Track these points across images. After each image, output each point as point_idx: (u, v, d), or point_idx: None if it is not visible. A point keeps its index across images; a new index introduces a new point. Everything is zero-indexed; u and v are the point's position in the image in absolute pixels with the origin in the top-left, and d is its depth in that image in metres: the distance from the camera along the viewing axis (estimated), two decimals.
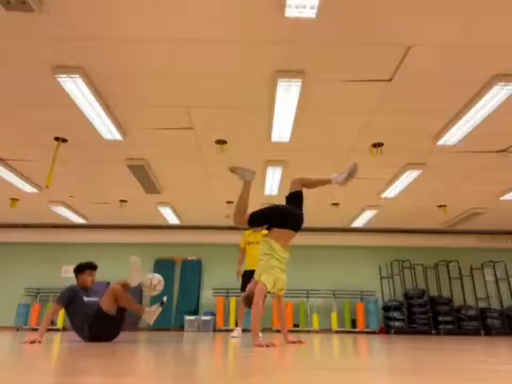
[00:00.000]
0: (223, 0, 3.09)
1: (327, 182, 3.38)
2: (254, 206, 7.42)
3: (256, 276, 3.08)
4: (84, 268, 3.84)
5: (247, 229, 5.21)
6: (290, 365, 1.69)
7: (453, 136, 4.99)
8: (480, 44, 3.51)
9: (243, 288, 5.06)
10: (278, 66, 3.85)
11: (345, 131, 5.07)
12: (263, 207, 3.33)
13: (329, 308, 9.51)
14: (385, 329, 9.18)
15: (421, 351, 2.69)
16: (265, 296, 3.01)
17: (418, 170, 6.08)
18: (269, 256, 3.07)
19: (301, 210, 3.27)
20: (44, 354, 2.19)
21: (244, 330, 5.25)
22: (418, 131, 5.02)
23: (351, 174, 3.29)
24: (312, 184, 3.44)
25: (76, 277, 3.86)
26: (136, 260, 3.75)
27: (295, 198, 3.30)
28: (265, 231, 5.20)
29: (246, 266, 5.16)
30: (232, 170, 3.51)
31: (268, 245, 3.10)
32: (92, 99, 4.24)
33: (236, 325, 5.41)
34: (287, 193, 3.39)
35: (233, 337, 4.78)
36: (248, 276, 5.04)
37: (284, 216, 3.17)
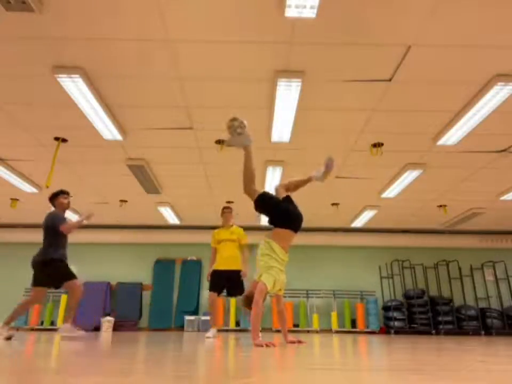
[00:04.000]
0: (223, 0, 3.09)
1: (309, 180, 3.45)
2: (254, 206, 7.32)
3: (256, 276, 3.09)
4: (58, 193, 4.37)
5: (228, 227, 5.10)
6: (290, 365, 1.69)
7: (453, 136, 4.99)
8: (480, 44, 3.51)
9: (212, 288, 4.81)
10: (278, 66, 3.85)
11: (345, 131, 5.07)
12: (272, 195, 3.28)
13: (329, 308, 9.51)
14: (385, 329, 9.18)
15: (421, 351, 2.69)
16: (265, 296, 3.01)
17: (418, 170, 6.07)
18: (268, 257, 3.07)
19: (298, 210, 3.29)
20: (44, 354, 2.20)
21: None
22: (418, 131, 5.02)
23: (327, 169, 3.37)
24: (294, 187, 3.45)
25: (53, 203, 4.36)
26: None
27: (291, 201, 3.30)
28: (236, 228, 5.11)
29: (216, 266, 4.94)
30: (229, 145, 3.43)
31: (268, 246, 3.11)
32: (92, 99, 4.24)
33: (211, 325, 4.96)
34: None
35: (208, 337, 4.53)
36: (217, 276, 4.85)
37: (288, 216, 3.18)
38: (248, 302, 3.02)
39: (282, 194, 3.33)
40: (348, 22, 3.28)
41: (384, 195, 7.19)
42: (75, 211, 8.60)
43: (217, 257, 5.02)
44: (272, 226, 3.23)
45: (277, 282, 3.06)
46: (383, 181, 6.69)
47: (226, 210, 5.20)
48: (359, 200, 7.72)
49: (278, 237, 3.13)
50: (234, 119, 3.18)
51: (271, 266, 3.04)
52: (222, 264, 4.90)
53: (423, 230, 9.77)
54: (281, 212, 3.19)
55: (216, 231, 5.19)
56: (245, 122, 3.16)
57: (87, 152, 5.72)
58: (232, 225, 5.16)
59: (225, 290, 4.93)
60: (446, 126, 4.84)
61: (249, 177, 3.22)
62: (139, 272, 9.80)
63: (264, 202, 3.22)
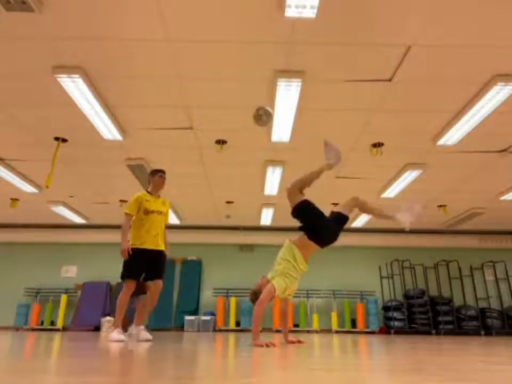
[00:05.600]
0: (223, 0, 3.09)
1: (322, 170, 3.37)
2: (253, 207, 7.39)
3: (269, 275, 3.09)
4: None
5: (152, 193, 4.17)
6: (290, 365, 1.69)
7: (453, 136, 4.99)
8: (480, 44, 3.50)
9: (132, 273, 3.81)
10: (278, 66, 3.85)
11: (345, 131, 5.07)
12: (315, 206, 3.22)
13: (329, 308, 9.51)
14: (385, 329, 9.18)
15: (421, 351, 2.69)
16: (272, 298, 3.01)
17: (418, 170, 6.07)
18: (289, 264, 3.06)
19: (339, 232, 3.26)
20: (45, 354, 2.19)
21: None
22: (418, 131, 5.02)
23: (416, 215, 3.36)
24: (367, 211, 3.47)
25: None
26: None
27: (340, 221, 3.27)
28: (165, 199, 4.23)
29: (140, 243, 3.87)
30: (326, 143, 3.47)
31: (292, 253, 3.09)
32: (92, 99, 4.24)
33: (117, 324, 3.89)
34: (335, 209, 3.37)
35: (112, 339, 3.66)
36: (140, 257, 3.81)
37: (325, 234, 3.17)
38: (256, 297, 3.01)
39: (347, 211, 3.30)
40: (347, 22, 3.28)
41: (384, 195, 7.19)
42: (75, 211, 8.60)
43: (141, 231, 3.90)
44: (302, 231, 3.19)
45: (287, 289, 3.07)
46: (383, 181, 6.69)
47: (162, 174, 4.17)
48: None
49: (303, 246, 3.13)
50: (260, 109, 3.34)
51: (288, 274, 3.03)
52: (150, 242, 3.87)
53: (423, 230, 9.77)
54: (320, 228, 3.16)
55: (141, 194, 4.11)
56: (270, 110, 3.35)
57: (87, 152, 5.71)
58: (159, 196, 4.20)
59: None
60: (446, 126, 4.84)
61: (302, 186, 3.20)
62: None
63: (307, 211, 3.18)
